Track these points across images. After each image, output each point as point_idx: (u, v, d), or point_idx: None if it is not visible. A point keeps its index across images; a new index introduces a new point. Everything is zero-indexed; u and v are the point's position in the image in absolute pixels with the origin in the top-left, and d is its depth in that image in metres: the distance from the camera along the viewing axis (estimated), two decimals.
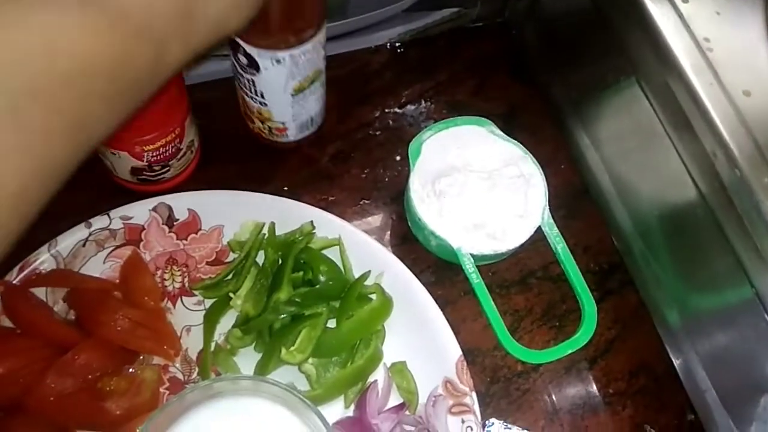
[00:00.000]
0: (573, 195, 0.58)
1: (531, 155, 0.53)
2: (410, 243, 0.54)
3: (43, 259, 0.46)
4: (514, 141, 0.53)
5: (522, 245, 0.51)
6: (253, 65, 0.46)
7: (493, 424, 0.47)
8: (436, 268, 0.54)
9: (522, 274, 0.55)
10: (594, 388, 0.52)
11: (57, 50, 0.24)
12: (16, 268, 0.45)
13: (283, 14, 0.43)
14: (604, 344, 0.53)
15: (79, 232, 0.47)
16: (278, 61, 0.45)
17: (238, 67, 0.47)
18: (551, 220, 0.52)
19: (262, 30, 0.43)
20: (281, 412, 0.41)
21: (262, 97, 0.49)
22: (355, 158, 0.57)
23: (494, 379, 0.51)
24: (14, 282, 0.45)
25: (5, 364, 0.42)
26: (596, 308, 0.50)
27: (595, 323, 0.50)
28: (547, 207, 0.52)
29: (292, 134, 0.54)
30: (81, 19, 0.25)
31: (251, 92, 0.49)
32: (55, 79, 0.24)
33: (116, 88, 0.26)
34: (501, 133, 0.54)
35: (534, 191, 0.52)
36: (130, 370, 0.44)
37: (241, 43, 0.44)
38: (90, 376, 0.43)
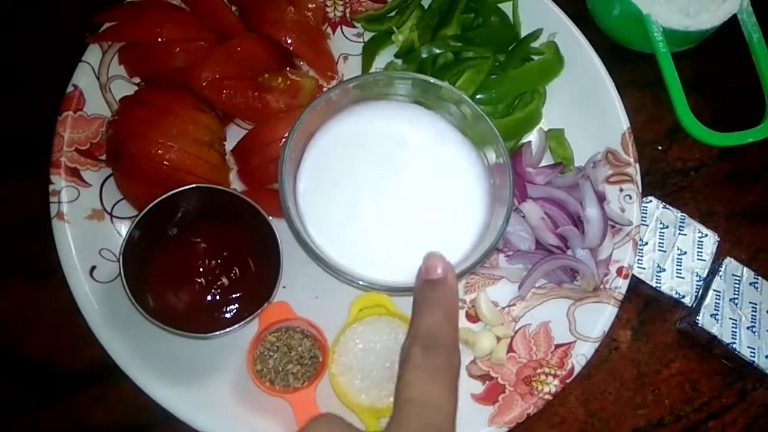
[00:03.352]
0: None
1: None
2: (585, 23, 0.49)
3: None
4: None
5: (714, 29, 0.46)
6: None
7: (651, 201, 0.44)
8: (610, 52, 0.48)
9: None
10: (759, 199, 0.48)
11: None
12: None
13: None
14: None
15: None
16: None
17: None
18: (750, 8, 0.47)
19: None
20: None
21: None
22: None
23: (651, 171, 0.47)
24: None
25: (169, 31, 0.41)
26: None
27: None
28: None
29: None
30: None
31: None
32: None
33: None
34: None
35: None
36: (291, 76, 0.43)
37: None
38: (251, 69, 0.42)
